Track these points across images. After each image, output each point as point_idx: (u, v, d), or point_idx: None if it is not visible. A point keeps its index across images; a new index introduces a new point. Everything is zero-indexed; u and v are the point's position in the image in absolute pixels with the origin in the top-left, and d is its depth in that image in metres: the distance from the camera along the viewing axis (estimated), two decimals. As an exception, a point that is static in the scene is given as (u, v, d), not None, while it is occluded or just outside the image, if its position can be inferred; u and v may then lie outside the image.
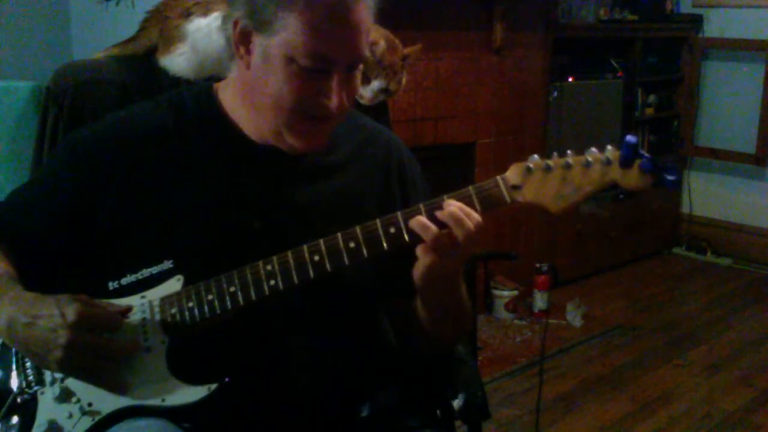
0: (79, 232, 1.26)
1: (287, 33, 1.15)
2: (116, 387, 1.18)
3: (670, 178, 1.11)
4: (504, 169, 1.16)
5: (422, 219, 1.15)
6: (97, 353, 1.16)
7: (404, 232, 1.16)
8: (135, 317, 1.20)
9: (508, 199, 1.16)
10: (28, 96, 2.26)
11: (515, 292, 3.66)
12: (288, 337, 1.25)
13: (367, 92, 1.65)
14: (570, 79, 3.95)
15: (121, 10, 2.69)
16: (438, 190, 1.21)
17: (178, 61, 1.54)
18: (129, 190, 1.26)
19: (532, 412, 2.60)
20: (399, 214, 1.16)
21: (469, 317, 1.44)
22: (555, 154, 1.15)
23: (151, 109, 1.33)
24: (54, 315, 1.13)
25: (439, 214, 1.15)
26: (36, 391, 1.23)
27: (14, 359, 1.26)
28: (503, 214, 3.54)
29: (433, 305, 1.30)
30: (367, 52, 1.23)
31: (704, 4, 4.61)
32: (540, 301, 3.68)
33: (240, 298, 1.17)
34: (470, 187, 1.16)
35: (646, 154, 1.11)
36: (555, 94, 3.85)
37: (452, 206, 1.14)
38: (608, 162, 1.13)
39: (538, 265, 3.68)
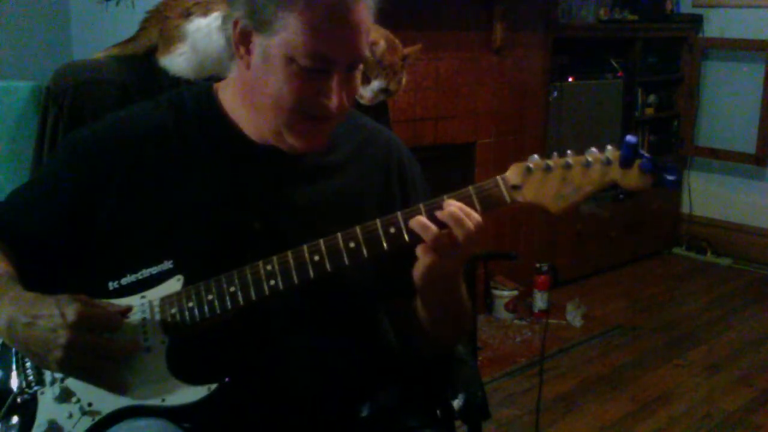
0: (79, 232, 1.26)
1: (287, 33, 1.15)
2: (116, 387, 1.18)
3: (670, 178, 1.11)
4: (504, 169, 1.16)
5: (422, 219, 1.15)
6: (97, 353, 1.16)
7: (404, 232, 1.16)
8: (135, 317, 1.20)
9: (508, 199, 1.16)
10: (28, 96, 2.26)
11: (515, 292, 3.66)
12: (288, 337, 1.25)
13: (367, 92, 1.65)
14: (570, 79, 3.95)
15: (121, 10, 2.69)
16: (438, 190, 1.21)
17: (178, 61, 1.54)
18: (129, 190, 1.26)
19: (532, 412, 2.60)
20: (399, 214, 1.16)
21: (469, 317, 1.44)
22: (555, 154, 1.16)
23: (151, 109, 1.33)
24: (54, 315, 1.13)
25: (439, 214, 1.15)
26: (36, 391, 1.23)
27: (14, 359, 1.26)
28: (503, 214, 3.54)
29: (433, 305, 1.30)
30: (367, 52, 1.23)
31: (704, 4, 4.61)
32: (540, 301, 3.68)
33: (240, 298, 1.17)
34: (470, 187, 1.16)
35: (646, 154, 1.11)
36: (555, 94, 3.85)
37: (452, 206, 1.14)
38: (608, 162, 1.13)
39: (538, 265, 3.68)
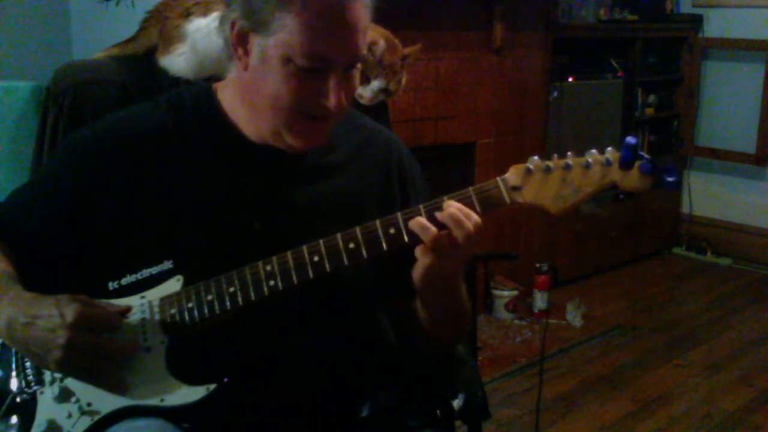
0: (79, 232, 1.26)
1: (284, 33, 1.15)
2: (115, 387, 1.18)
3: (670, 179, 1.11)
4: (504, 169, 1.16)
5: (422, 220, 1.15)
6: (96, 353, 1.16)
7: (404, 232, 1.16)
8: (134, 317, 1.20)
9: (507, 200, 1.15)
10: (28, 96, 2.26)
11: (515, 292, 3.66)
12: (287, 337, 1.24)
13: (366, 92, 1.65)
14: (570, 79, 3.95)
15: (121, 10, 2.69)
16: (438, 190, 1.21)
17: (177, 61, 1.54)
18: (129, 190, 1.26)
19: (532, 412, 2.60)
20: (399, 214, 1.16)
21: (469, 318, 1.44)
22: (555, 155, 1.16)
23: (150, 109, 1.33)
24: (53, 315, 1.13)
25: (438, 215, 1.15)
26: (35, 391, 1.23)
27: (14, 359, 1.26)
28: (503, 214, 3.54)
29: (432, 306, 1.30)
30: (364, 51, 1.23)
31: (704, 4, 4.61)
32: (540, 301, 3.68)
33: (239, 299, 1.17)
34: (470, 188, 1.16)
35: (646, 156, 1.12)
36: (555, 94, 3.85)
37: (452, 207, 1.14)
38: (608, 163, 1.13)
39: (538, 265, 3.68)
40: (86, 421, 1.19)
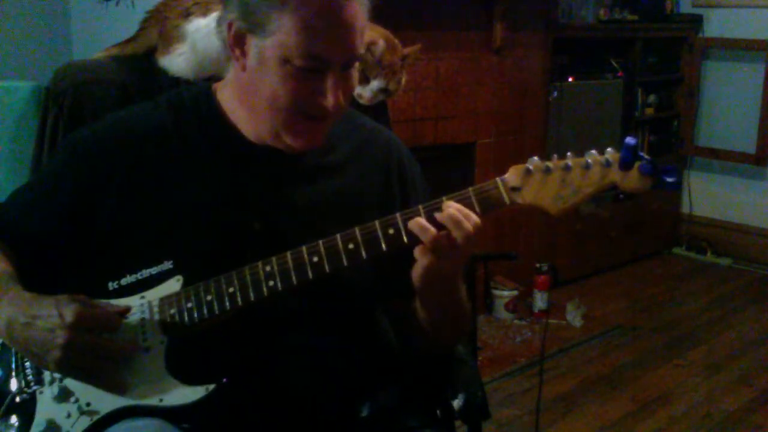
0: (79, 232, 1.26)
1: (281, 34, 1.15)
2: (115, 387, 1.18)
3: (670, 180, 1.11)
4: (504, 170, 1.16)
5: (421, 221, 1.14)
6: (95, 353, 1.16)
7: (403, 233, 1.15)
8: (134, 317, 1.20)
9: (507, 200, 1.15)
10: (28, 96, 2.26)
11: (515, 292, 3.66)
12: (287, 337, 1.24)
13: (366, 92, 1.65)
14: (570, 79, 3.95)
15: (121, 10, 2.69)
16: (438, 190, 1.21)
17: (177, 61, 1.54)
18: (129, 190, 1.26)
19: (532, 412, 2.60)
20: (398, 215, 1.16)
21: (469, 319, 1.44)
22: (555, 156, 1.16)
23: (150, 109, 1.33)
24: (52, 315, 1.13)
25: (438, 215, 1.14)
26: (35, 391, 1.23)
27: (13, 359, 1.26)
28: (503, 214, 3.54)
29: (431, 306, 1.30)
30: (362, 50, 1.23)
31: (704, 4, 4.61)
32: (540, 301, 3.68)
33: (239, 299, 1.17)
34: (470, 189, 1.16)
35: (646, 156, 1.11)
36: (555, 94, 3.85)
37: (451, 208, 1.14)
38: (608, 164, 1.13)
39: (538, 265, 3.68)
40: (85, 421, 1.19)
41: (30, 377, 1.24)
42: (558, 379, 3.10)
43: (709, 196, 4.76)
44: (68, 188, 1.28)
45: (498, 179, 1.16)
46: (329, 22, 1.15)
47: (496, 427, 2.69)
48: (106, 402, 1.19)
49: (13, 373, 1.25)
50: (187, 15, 1.53)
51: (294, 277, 1.16)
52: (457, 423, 1.46)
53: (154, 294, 1.21)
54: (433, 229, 1.14)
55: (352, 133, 1.39)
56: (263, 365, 1.23)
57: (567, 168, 1.14)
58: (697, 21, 4.60)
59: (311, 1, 1.14)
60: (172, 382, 1.18)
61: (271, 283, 1.16)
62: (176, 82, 1.53)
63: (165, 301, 1.20)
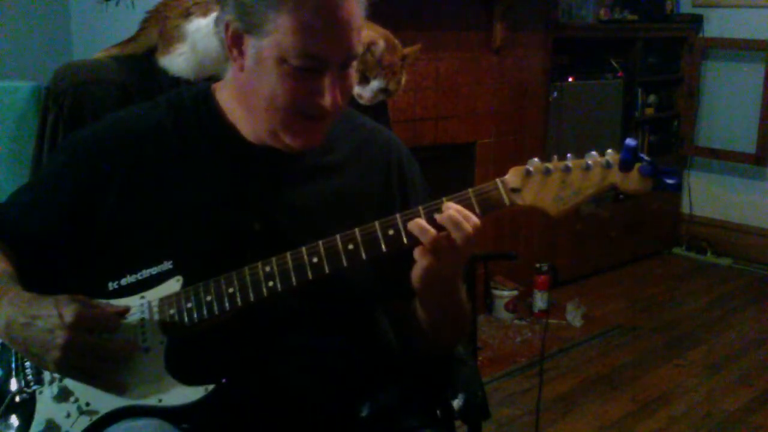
0: (79, 232, 1.26)
1: (278, 34, 1.15)
2: (114, 387, 1.18)
3: (670, 182, 1.11)
4: (504, 169, 1.16)
5: (421, 222, 1.14)
6: (95, 354, 1.16)
7: (403, 234, 1.15)
8: (134, 318, 1.20)
9: (507, 201, 1.15)
10: (28, 96, 2.25)
11: (515, 292, 3.66)
12: (287, 337, 1.24)
13: (366, 92, 1.65)
14: (570, 79, 3.95)
15: (121, 10, 2.69)
16: (438, 190, 1.21)
17: (177, 61, 1.54)
18: (129, 190, 1.26)
19: (532, 412, 2.60)
20: (398, 216, 1.16)
21: (469, 320, 1.44)
22: (555, 157, 1.15)
23: (150, 109, 1.33)
24: (52, 315, 1.13)
25: (437, 216, 1.14)
26: (35, 391, 1.23)
27: (13, 359, 1.26)
28: (503, 215, 3.53)
29: (431, 307, 1.30)
30: (359, 49, 1.23)
31: (704, 4, 4.61)
32: (540, 301, 3.68)
33: (238, 300, 1.17)
34: (469, 190, 1.16)
35: (647, 158, 1.11)
36: (555, 94, 3.85)
37: (451, 209, 1.14)
38: (608, 165, 1.13)
39: (538, 265, 3.68)
40: (85, 421, 1.19)
41: (30, 377, 1.24)
42: (558, 379, 3.10)
43: (709, 196, 4.76)
44: (68, 188, 1.28)
45: (498, 180, 1.16)
46: (326, 21, 1.15)
47: (496, 427, 2.69)
48: (105, 402, 1.19)
49: (13, 373, 1.25)
50: (187, 15, 1.53)
51: (294, 278, 1.16)
52: (457, 423, 1.46)
53: (154, 294, 1.21)
54: (432, 230, 1.14)
55: (351, 133, 1.38)
56: (263, 366, 1.23)
57: (567, 169, 1.14)
58: (697, 21, 4.60)
59: (308, 0, 1.14)
60: (172, 383, 1.18)
61: (271, 283, 1.16)
62: (176, 82, 1.53)
63: (165, 301, 1.20)
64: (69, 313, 1.13)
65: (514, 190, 1.15)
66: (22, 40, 3.12)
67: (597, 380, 3.11)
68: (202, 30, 1.51)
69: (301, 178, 1.31)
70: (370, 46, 1.61)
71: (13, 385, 1.25)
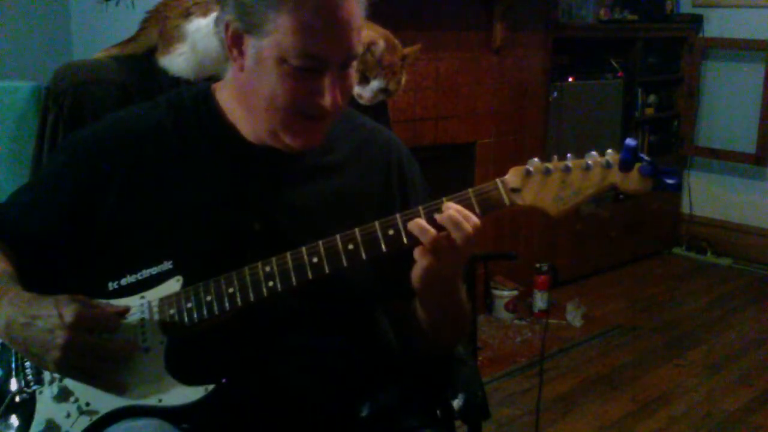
0: (79, 232, 1.26)
1: (278, 34, 1.15)
2: (114, 387, 1.19)
3: (671, 182, 1.11)
4: (504, 170, 1.16)
5: (420, 222, 1.14)
6: (95, 354, 1.16)
7: (403, 234, 1.15)
8: (134, 318, 1.20)
9: (507, 201, 1.15)
10: (28, 96, 2.26)
11: (515, 292, 3.66)
12: (287, 337, 1.25)
13: (366, 92, 1.65)
14: (570, 79, 3.95)
15: (121, 10, 2.69)
16: (438, 190, 1.21)
17: (177, 61, 1.54)
18: (129, 190, 1.26)
19: (532, 412, 2.60)
20: (398, 216, 1.16)
21: (469, 320, 1.44)
22: (555, 157, 1.15)
23: (150, 109, 1.33)
24: (52, 315, 1.13)
25: (437, 216, 1.14)
26: (34, 391, 1.23)
27: (13, 359, 1.26)
28: (503, 215, 3.53)
29: (431, 307, 1.30)
30: (359, 49, 1.23)
31: (704, 4, 4.61)
32: (540, 301, 3.68)
33: (238, 300, 1.17)
34: (469, 190, 1.16)
35: (647, 158, 1.11)
36: (555, 94, 3.85)
37: (451, 209, 1.14)
38: (608, 165, 1.13)
39: (538, 265, 3.68)
40: (85, 421, 1.19)
41: (30, 377, 1.24)
42: (558, 379, 3.10)
43: (709, 196, 4.76)
44: (68, 188, 1.28)
45: (498, 180, 1.16)
46: (326, 21, 1.15)
47: (496, 427, 2.69)
48: (105, 402, 1.19)
49: (13, 373, 1.25)
50: (187, 15, 1.53)
51: (294, 278, 1.16)
52: (457, 423, 1.46)
53: (154, 294, 1.21)
54: (432, 230, 1.14)
55: (351, 133, 1.39)
56: (263, 366, 1.23)
57: (567, 169, 1.14)
58: (697, 21, 4.60)
59: (308, 0, 1.14)
60: (172, 383, 1.18)
61: (271, 283, 1.17)
62: (176, 82, 1.53)
63: (165, 301, 1.20)
64: (69, 313, 1.13)
65: (514, 190, 1.15)
66: (22, 40, 3.12)
67: (597, 380, 3.11)
68: (202, 30, 1.51)
69: (301, 178, 1.31)
70: (370, 46, 1.61)
71: (13, 385, 1.25)
